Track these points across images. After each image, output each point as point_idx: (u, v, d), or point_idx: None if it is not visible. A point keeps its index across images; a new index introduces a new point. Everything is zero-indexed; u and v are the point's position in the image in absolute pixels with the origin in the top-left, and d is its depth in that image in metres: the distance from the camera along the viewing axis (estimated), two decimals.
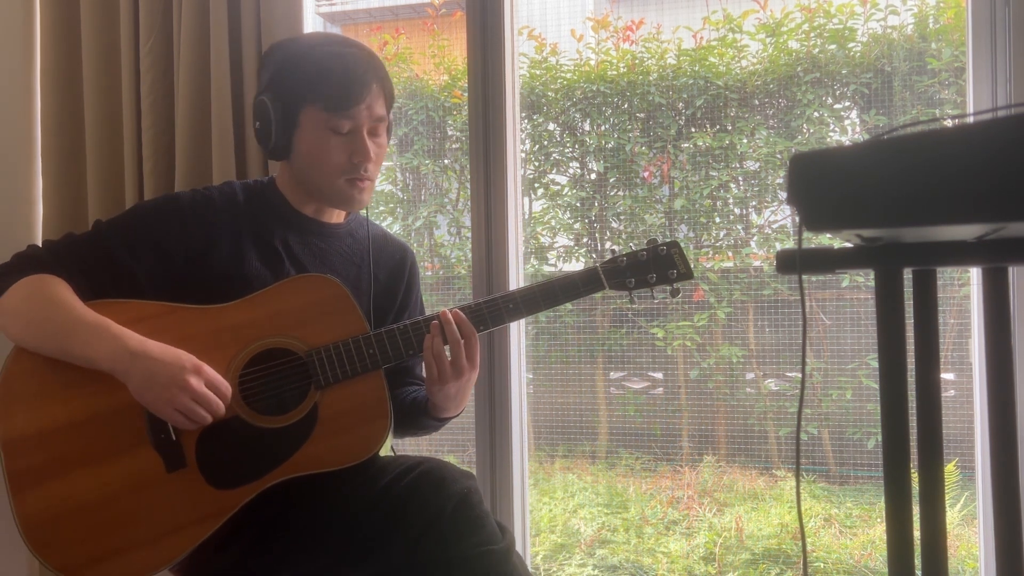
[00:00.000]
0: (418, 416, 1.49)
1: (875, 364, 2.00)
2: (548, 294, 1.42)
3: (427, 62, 2.59)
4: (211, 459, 1.31)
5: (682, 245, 1.45)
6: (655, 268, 1.44)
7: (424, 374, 1.64)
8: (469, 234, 1.97)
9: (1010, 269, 0.87)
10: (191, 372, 1.27)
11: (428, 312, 1.60)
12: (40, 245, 1.40)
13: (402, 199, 2.55)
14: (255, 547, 1.35)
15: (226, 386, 1.30)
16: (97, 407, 1.30)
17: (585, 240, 2.41)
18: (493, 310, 1.40)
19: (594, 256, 2.40)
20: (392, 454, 1.49)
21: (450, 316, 1.38)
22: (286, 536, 1.35)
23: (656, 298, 1.48)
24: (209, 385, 1.28)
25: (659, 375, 2.42)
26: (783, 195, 2.25)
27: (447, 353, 1.38)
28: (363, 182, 1.44)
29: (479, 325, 1.40)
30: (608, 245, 1.49)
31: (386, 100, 1.45)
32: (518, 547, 1.86)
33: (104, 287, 1.36)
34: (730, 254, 2.29)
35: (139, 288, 1.38)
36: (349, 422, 1.35)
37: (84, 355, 1.28)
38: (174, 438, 1.31)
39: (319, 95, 1.38)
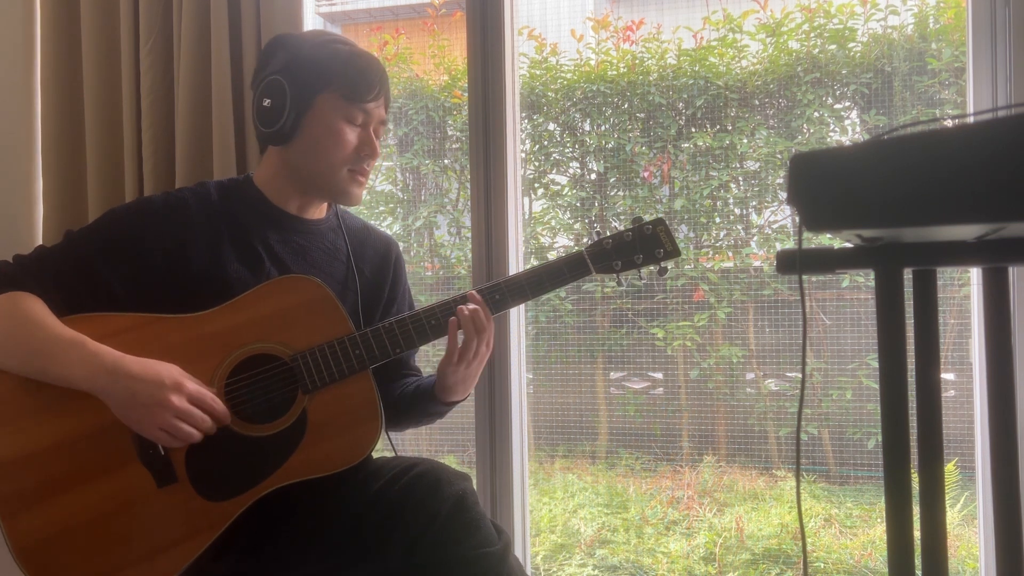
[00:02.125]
0: (424, 403, 1.48)
1: (875, 364, 2.00)
2: (534, 282, 1.41)
3: (427, 62, 2.58)
4: (202, 472, 1.29)
5: (667, 222, 1.43)
6: (641, 248, 1.42)
7: (416, 364, 1.63)
8: (469, 234, 1.97)
9: (1010, 269, 0.87)
10: (171, 389, 1.24)
11: (421, 304, 1.61)
12: (11, 260, 1.36)
13: (402, 199, 2.55)
14: (251, 552, 1.34)
15: (211, 398, 1.28)
16: (82, 426, 1.28)
17: (585, 240, 2.41)
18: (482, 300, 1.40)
19: None
20: (392, 453, 1.49)
21: (480, 298, 1.38)
22: (282, 540, 1.34)
23: (643, 278, 1.45)
24: (193, 399, 1.26)
25: (659, 375, 2.42)
26: (783, 195, 2.25)
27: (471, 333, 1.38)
28: (363, 176, 1.44)
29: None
30: (596, 231, 1.47)
31: (387, 107, 1.48)
32: (518, 547, 1.86)
33: (80, 299, 1.33)
34: (730, 254, 2.28)
35: (116, 298, 1.34)
36: (339, 426, 1.33)
37: (62, 376, 1.25)
38: (163, 453, 1.28)
39: (340, 83, 1.39)
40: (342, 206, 1.56)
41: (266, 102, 1.40)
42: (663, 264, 1.42)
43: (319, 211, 1.52)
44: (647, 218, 1.43)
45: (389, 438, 1.55)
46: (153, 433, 1.25)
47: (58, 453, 1.27)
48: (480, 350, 1.38)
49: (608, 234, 1.43)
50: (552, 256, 2.43)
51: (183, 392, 1.25)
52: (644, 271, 1.43)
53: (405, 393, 1.51)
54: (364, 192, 1.48)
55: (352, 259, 1.51)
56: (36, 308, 1.29)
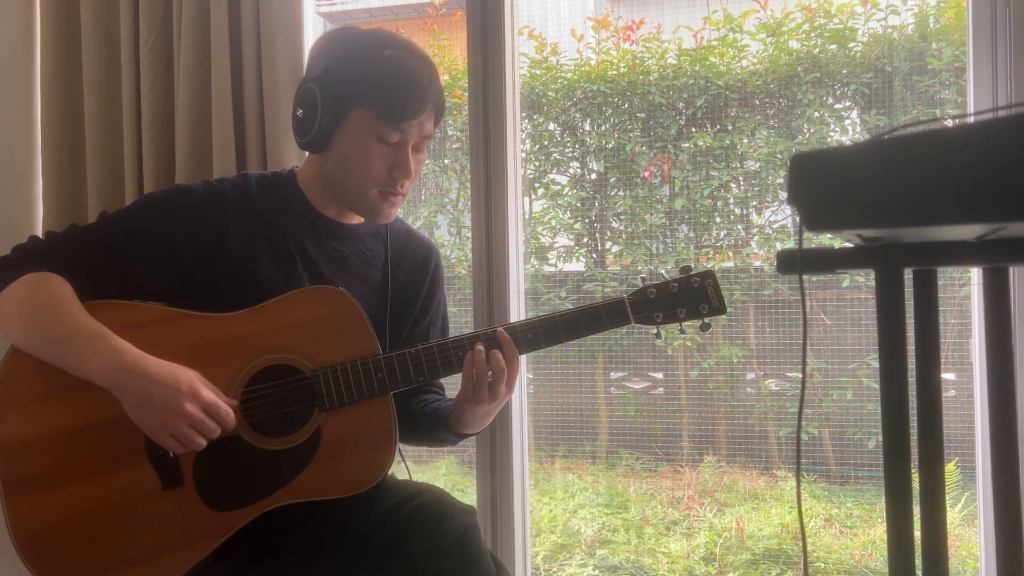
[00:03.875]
0: (437, 429, 1.43)
1: (875, 364, 2.00)
2: (570, 325, 1.35)
3: None
4: (208, 479, 1.27)
5: (717, 276, 1.34)
6: (686, 302, 1.34)
7: (439, 380, 1.56)
8: (469, 234, 1.97)
9: (1010, 269, 0.87)
10: (187, 397, 1.21)
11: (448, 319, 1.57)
12: (42, 237, 1.34)
13: None
14: (249, 565, 1.32)
15: (226, 410, 1.24)
16: (96, 416, 1.25)
17: (585, 240, 2.41)
18: (512, 339, 1.34)
19: (594, 256, 2.40)
20: (394, 471, 1.46)
21: (508, 336, 1.32)
22: (283, 556, 1.32)
23: (684, 331, 1.37)
24: (207, 409, 1.22)
25: (659, 375, 2.42)
26: (783, 195, 2.25)
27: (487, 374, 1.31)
28: (396, 196, 1.38)
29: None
30: (642, 277, 1.38)
31: (437, 118, 1.39)
32: (519, 547, 1.86)
33: (108, 284, 1.30)
34: (730, 254, 2.28)
35: (145, 287, 1.32)
36: (352, 449, 1.30)
37: (79, 367, 1.22)
38: (172, 455, 1.26)
39: (375, 100, 1.30)
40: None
41: (299, 112, 1.35)
42: (706, 320, 1.34)
43: (358, 216, 1.47)
44: (696, 268, 1.35)
45: (401, 454, 1.49)
46: (162, 438, 1.22)
47: (67, 441, 1.25)
48: (498, 390, 1.31)
49: (653, 282, 1.36)
50: (552, 256, 2.43)
51: (198, 401, 1.22)
52: (685, 325, 1.35)
53: (423, 412, 1.46)
54: (398, 209, 1.41)
55: (389, 265, 1.46)
56: (62, 291, 1.25)
